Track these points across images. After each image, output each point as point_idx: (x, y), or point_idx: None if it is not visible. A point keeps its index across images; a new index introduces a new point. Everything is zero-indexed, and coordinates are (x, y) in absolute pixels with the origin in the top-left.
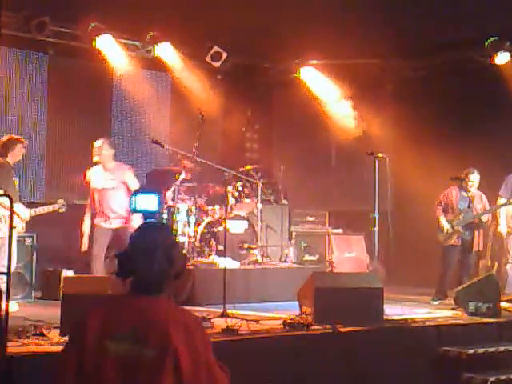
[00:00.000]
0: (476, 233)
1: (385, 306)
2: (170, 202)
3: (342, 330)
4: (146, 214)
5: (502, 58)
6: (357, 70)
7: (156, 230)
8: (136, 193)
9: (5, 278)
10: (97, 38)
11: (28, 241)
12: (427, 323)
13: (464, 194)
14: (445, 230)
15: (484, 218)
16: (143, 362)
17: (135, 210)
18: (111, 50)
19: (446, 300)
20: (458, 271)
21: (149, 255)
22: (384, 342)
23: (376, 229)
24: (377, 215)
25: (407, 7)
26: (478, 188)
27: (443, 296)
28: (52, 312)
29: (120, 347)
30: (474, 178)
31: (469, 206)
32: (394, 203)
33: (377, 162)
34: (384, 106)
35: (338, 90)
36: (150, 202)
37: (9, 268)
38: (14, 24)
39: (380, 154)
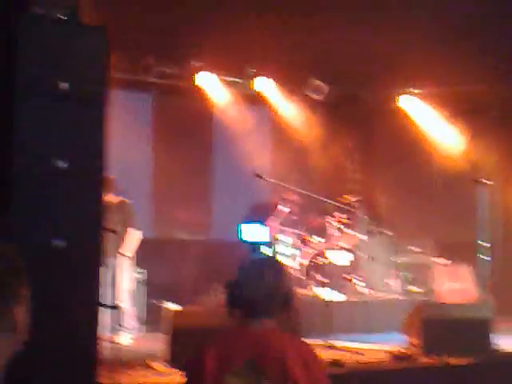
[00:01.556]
0: None
1: (496, 337)
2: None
3: (452, 362)
4: (255, 245)
5: None
6: (460, 97)
7: (264, 262)
8: (244, 223)
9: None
10: (197, 76)
11: (139, 276)
12: None
13: None
14: None
15: None
16: None
17: (244, 241)
18: (211, 86)
19: None
20: None
21: (256, 283)
22: (495, 375)
23: (484, 258)
24: (484, 244)
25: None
26: None
27: None
28: (157, 345)
29: (239, 381)
30: None
31: None
32: (501, 231)
33: (483, 189)
34: (489, 132)
35: (441, 117)
36: (259, 233)
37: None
38: (120, 66)
39: (486, 181)
